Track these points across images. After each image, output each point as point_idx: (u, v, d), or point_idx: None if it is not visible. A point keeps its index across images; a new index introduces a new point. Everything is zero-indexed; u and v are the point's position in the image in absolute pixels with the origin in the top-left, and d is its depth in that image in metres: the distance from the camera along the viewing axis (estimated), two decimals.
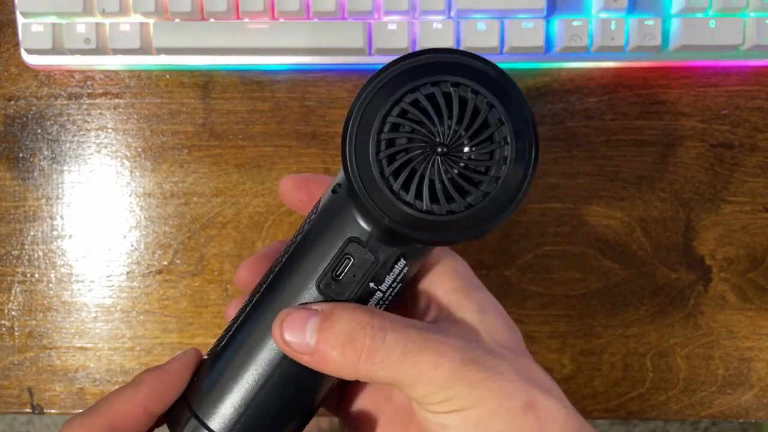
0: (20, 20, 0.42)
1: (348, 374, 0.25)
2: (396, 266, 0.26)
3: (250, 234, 0.44)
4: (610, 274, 0.44)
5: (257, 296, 0.28)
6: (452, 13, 0.42)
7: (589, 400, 0.44)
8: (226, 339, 0.29)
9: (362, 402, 0.31)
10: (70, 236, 0.45)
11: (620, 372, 0.44)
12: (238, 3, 0.41)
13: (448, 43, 0.42)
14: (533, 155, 0.24)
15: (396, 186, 0.24)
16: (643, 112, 0.44)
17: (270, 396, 0.27)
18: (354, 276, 0.26)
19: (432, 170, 0.23)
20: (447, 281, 0.28)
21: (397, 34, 0.41)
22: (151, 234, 0.45)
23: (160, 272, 0.45)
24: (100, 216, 0.45)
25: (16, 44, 0.44)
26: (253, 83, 0.44)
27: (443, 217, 0.24)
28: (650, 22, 0.42)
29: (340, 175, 0.27)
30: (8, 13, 0.45)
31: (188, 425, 0.27)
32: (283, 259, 0.28)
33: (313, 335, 0.25)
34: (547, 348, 0.44)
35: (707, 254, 0.45)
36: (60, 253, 0.45)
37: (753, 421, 0.45)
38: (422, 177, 0.24)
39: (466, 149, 0.24)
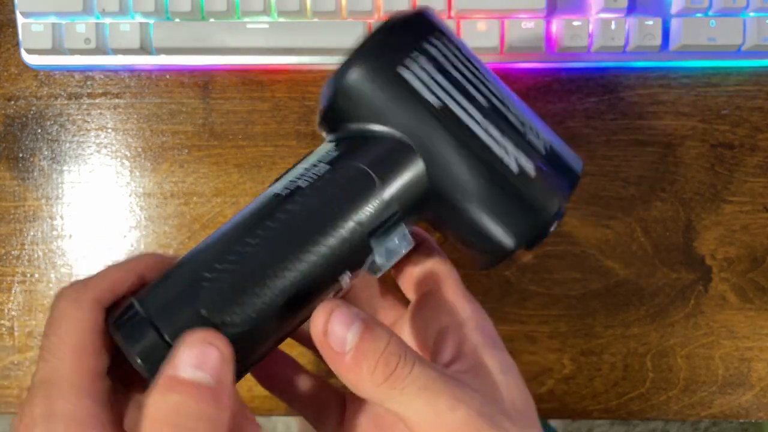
0: (20, 20, 0.42)
1: (366, 389, 0.25)
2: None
3: None
4: (610, 274, 0.44)
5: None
6: (452, 13, 0.42)
7: (589, 400, 0.44)
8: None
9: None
10: (70, 236, 0.45)
11: (620, 372, 0.44)
12: (238, 3, 0.41)
13: None
14: None
15: None
16: (643, 112, 0.44)
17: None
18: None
19: None
20: (476, 337, 0.28)
21: None
22: (151, 234, 0.45)
23: None
24: (100, 216, 0.45)
25: (16, 44, 0.44)
26: (253, 83, 0.44)
27: None
28: (650, 22, 0.42)
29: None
30: (8, 13, 0.45)
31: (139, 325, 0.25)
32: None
33: (353, 341, 0.24)
34: (547, 348, 0.44)
35: (707, 254, 0.45)
36: (60, 253, 0.45)
37: (753, 421, 0.45)
38: None
39: None
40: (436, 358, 0.29)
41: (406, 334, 0.31)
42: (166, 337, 0.24)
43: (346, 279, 0.27)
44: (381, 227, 0.27)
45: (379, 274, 0.28)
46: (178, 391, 0.22)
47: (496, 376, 0.27)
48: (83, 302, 0.25)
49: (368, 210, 0.27)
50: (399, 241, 0.27)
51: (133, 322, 0.25)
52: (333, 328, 0.24)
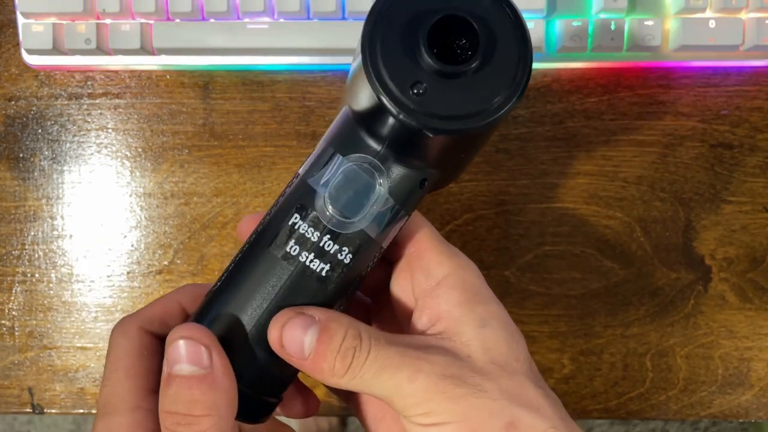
0: (20, 20, 0.42)
1: (332, 383, 0.26)
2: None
3: None
4: (610, 274, 0.45)
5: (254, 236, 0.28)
6: None
7: (589, 400, 0.45)
8: (225, 275, 0.29)
9: (371, 401, 0.32)
10: (71, 236, 0.45)
11: (620, 372, 0.44)
12: (238, 3, 0.41)
13: None
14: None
15: None
16: (642, 112, 0.44)
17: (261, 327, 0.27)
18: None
19: None
20: (453, 295, 0.28)
21: None
22: (152, 234, 0.45)
23: (160, 272, 0.45)
24: (101, 216, 0.45)
25: (17, 44, 0.44)
26: (253, 83, 0.44)
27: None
28: (650, 23, 0.42)
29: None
30: (8, 13, 0.45)
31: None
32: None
33: (311, 346, 0.26)
34: (547, 348, 0.45)
35: (707, 254, 0.45)
36: (60, 253, 0.45)
37: (753, 421, 0.45)
38: None
39: None
40: (416, 326, 0.28)
41: (391, 303, 0.31)
42: None
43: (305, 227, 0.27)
44: (316, 166, 0.27)
45: (350, 222, 0.27)
46: (174, 384, 0.25)
47: (471, 332, 0.27)
48: (131, 330, 0.28)
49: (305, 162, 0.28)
50: (336, 172, 0.27)
51: None
52: (287, 339, 0.26)
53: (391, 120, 0.25)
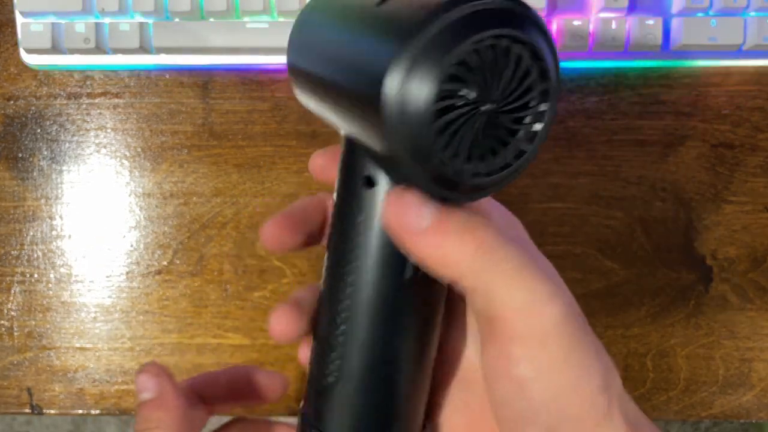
0: (19, 20, 0.42)
1: (457, 261, 0.22)
2: None
3: (250, 234, 0.44)
4: (611, 274, 0.44)
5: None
6: None
7: None
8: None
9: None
10: (70, 236, 0.45)
11: (621, 372, 0.44)
12: (238, 3, 0.41)
13: None
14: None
15: (446, 154, 0.21)
16: (643, 112, 0.44)
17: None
18: None
19: (478, 132, 0.21)
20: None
21: None
22: (151, 234, 0.45)
23: (159, 272, 0.45)
24: (100, 216, 0.45)
25: (16, 44, 0.44)
26: (252, 83, 0.44)
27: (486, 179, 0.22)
28: (651, 22, 0.41)
29: (364, 166, 0.25)
30: (7, 13, 0.44)
31: None
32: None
33: (432, 212, 0.22)
34: None
35: (708, 254, 0.44)
36: (59, 253, 0.45)
37: (754, 421, 0.45)
38: (472, 141, 0.21)
39: (514, 109, 0.22)
40: None
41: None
42: None
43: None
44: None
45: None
46: (138, 408, 0.30)
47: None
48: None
49: None
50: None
51: None
52: (408, 206, 0.22)
53: None
